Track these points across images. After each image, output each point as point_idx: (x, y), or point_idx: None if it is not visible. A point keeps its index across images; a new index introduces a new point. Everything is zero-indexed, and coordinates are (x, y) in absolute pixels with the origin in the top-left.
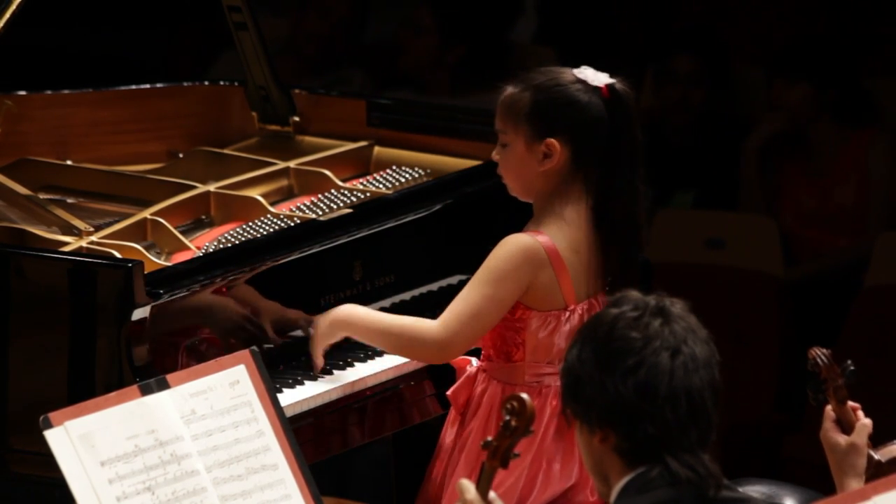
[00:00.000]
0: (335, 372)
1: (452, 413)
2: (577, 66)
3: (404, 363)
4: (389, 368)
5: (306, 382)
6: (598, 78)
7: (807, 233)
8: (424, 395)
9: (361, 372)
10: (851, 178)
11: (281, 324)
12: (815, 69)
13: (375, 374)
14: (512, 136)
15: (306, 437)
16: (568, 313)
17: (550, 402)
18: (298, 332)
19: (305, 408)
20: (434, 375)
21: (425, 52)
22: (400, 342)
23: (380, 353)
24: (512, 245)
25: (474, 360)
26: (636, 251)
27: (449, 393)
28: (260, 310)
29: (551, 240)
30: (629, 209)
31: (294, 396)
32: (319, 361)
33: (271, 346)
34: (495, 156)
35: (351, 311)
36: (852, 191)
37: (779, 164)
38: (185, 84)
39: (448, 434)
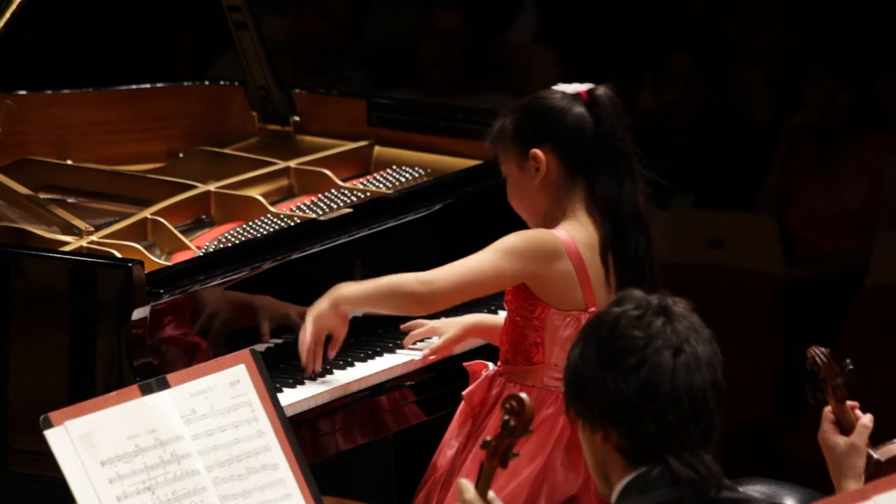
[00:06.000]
0: (335, 372)
1: (451, 431)
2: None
3: (405, 363)
4: (391, 368)
5: (307, 382)
6: (577, 86)
7: (809, 233)
8: (425, 394)
9: (362, 371)
10: (860, 181)
11: (280, 322)
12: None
13: (376, 373)
14: (507, 164)
15: (306, 436)
16: (588, 315)
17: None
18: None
19: (305, 407)
20: (437, 372)
21: (426, 53)
22: (391, 293)
23: (380, 353)
24: (530, 231)
25: (490, 365)
26: (645, 253)
27: (464, 393)
28: (258, 309)
29: (569, 235)
30: (630, 211)
31: (294, 396)
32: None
33: (270, 345)
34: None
35: (340, 286)
36: (860, 194)
37: (791, 163)
38: (185, 84)
39: (443, 457)
